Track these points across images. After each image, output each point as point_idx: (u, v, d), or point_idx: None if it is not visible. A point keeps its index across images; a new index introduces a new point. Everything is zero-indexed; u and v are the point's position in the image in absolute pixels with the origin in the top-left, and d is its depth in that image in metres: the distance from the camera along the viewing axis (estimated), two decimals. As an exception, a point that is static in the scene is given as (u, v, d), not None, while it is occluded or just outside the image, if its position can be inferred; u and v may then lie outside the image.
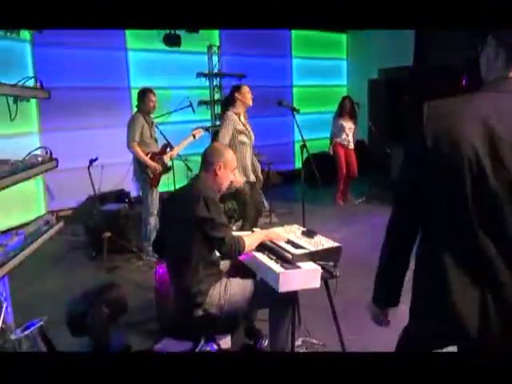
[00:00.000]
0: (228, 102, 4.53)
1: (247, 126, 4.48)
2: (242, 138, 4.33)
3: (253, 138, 4.51)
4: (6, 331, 2.42)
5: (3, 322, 2.37)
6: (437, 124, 1.33)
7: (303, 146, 3.65)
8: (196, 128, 5.05)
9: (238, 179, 3.98)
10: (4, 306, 2.41)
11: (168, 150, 4.90)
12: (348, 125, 7.01)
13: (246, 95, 4.38)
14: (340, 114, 7.05)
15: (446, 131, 1.30)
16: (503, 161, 1.25)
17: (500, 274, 1.27)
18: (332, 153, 7.08)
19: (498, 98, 1.32)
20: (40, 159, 2.51)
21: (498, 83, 1.36)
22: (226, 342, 3.07)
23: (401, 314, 1.62)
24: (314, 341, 2.98)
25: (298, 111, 3.81)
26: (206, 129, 5.56)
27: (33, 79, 2.62)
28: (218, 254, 2.51)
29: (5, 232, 2.58)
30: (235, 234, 2.61)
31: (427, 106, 1.37)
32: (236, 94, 4.38)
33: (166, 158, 4.82)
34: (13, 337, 2.42)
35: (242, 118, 4.44)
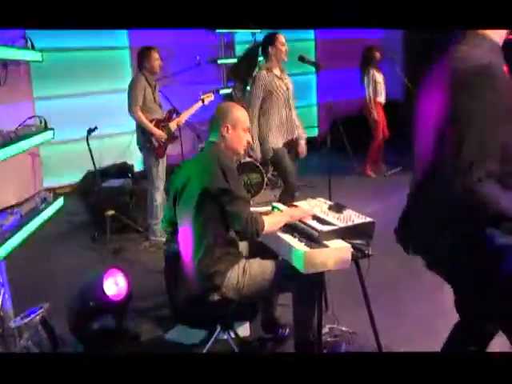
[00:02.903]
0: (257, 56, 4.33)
1: (284, 80, 4.27)
2: (274, 98, 4.17)
3: (289, 92, 4.29)
4: (4, 319, 2.48)
5: (1, 309, 2.43)
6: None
7: (329, 108, 3.60)
8: (206, 92, 5.01)
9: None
10: (1, 292, 2.46)
11: (174, 116, 4.88)
12: (381, 76, 6.81)
13: (281, 48, 4.19)
14: (372, 64, 6.77)
15: None
16: None
17: None
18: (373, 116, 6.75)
19: None
20: (34, 129, 2.51)
21: None
22: (244, 330, 3.12)
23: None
24: (343, 328, 2.99)
25: (322, 67, 3.73)
26: (217, 91, 5.52)
27: (22, 39, 2.61)
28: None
29: (-2, 212, 2.61)
30: (253, 209, 2.60)
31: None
32: (269, 49, 4.21)
33: (173, 126, 4.80)
34: (12, 325, 2.49)
35: (278, 71, 4.26)
